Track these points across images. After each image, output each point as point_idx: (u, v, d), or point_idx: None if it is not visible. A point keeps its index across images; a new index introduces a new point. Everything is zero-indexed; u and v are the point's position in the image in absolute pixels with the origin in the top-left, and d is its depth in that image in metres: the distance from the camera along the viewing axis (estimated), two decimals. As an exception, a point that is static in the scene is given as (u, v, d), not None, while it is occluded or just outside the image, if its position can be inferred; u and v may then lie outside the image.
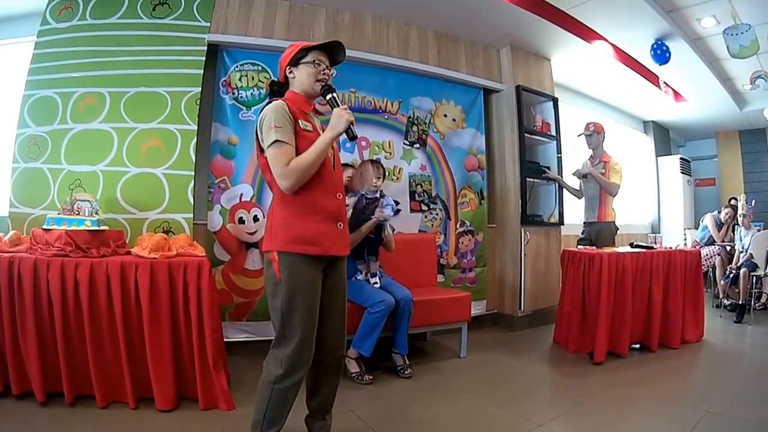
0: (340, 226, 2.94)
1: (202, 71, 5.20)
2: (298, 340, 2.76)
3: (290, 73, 2.99)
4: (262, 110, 2.85)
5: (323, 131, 2.87)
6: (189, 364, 3.86)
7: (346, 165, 5.29)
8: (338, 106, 2.87)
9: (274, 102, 2.84)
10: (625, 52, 7.87)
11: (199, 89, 5.16)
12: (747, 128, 12.31)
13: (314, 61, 2.94)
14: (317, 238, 2.82)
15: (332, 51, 3.03)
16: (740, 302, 7.53)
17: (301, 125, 2.81)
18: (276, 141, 2.70)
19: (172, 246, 4.10)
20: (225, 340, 4.48)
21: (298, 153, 2.76)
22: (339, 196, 2.96)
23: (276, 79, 3.14)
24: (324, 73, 2.96)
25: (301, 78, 2.96)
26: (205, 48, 5.25)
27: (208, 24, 5.31)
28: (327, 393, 3.15)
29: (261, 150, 2.83)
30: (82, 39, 5.03)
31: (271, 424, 2.87)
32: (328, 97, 2.92)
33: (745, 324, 7.34)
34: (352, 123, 2.82)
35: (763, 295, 8.36)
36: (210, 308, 3.84)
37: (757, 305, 8.06)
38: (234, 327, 5.28)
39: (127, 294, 3.71)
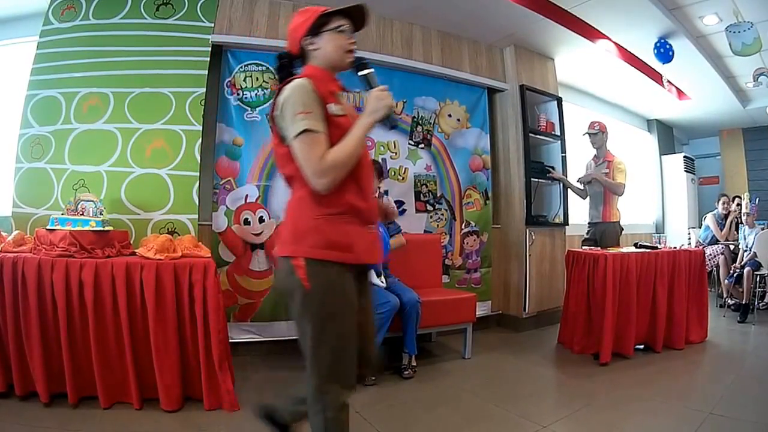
0: (373, 229, 2.49)
1: (206, 72, 5.22)
2: (340, 362, 2.38)
3: (310, 44, 2.45)
4: (279, 92, 2.33)
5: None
6: (194, 365, 3.87)
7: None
8: (375, 85, 2.38)
9: (296, 81, 2.32)
10: (628, 51, 7.86)
11: (204, 90, 5.18)
12: (750, 126, 12.31)
13: (340, 28, 2.43)
14: (352, 243, 2.35)
15: (355, 17, 2.52)
16: (744, 302, 7.53)
17: (333, 109, 2.31)
18: (306, 131, 2.21)
19: (177, 247, 4.10)
20: (230, 340, 4.40)
21: (330, 144, 2.27)
22: (374, 195, 2.56)
23: (286, 52, 2.56)
24: (353, 44, 2.47)
25: (327, 50, 2.45)
26: (209, 49, 5.27)
27: (212, 24, 5.33)
28: None
29: (281, 139, 2.34)
30: (85, 39, 5.05)
31: None
32: (363, 73, 2.43)
33: (748, 324, 7.36)
34: (393, 108, 2.36)
35: (767, 294, 8.36)
36: (215, 309, 3.84)
37: (760, 305, 8.06)
38: (238, 328, 5.28)
39: (132, 295, 3.72)
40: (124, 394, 3.77)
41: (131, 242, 4.43)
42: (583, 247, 6.38)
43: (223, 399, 3.83)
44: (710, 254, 8.85)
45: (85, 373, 3.70)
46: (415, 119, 6.40)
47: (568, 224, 7.56)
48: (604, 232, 6.58)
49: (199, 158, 5.08)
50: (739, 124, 12.31)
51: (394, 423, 3.84)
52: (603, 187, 6.53)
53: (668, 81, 8.81)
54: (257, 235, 5.40)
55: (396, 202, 5.33)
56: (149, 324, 3.71)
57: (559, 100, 7.65)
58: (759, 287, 7.99)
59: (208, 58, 5.25)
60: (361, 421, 3.80)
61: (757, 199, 8.87)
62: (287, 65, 2.52)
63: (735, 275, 8.07)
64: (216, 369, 3.83)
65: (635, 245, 6.31)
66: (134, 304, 3.74)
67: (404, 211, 6.02)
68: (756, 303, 7.73)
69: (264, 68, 5.51)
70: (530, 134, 7.14)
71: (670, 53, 7.30)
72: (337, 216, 2.32)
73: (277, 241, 2.46)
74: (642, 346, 5.87)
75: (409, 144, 6.33)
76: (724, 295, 8.51)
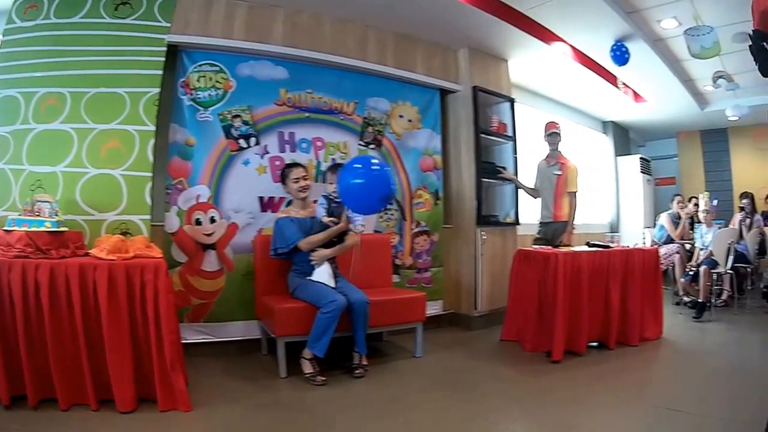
0: None
1: (161, 72, 5.35)
2: None
3: None
4: None
5: None
6: (148, 366, 3.94)
7: (298, 165, 5.52)
8: None
9: None
10: (584, 54, 8.18)
11: (158, 90, 5.30)
12: (708, 128, 12.82)
13: None
14: None
15: None
16: (700, 299, 7.83)
17: None
18: None
19: (130, 248, 4.19)
20: (183, 341, 4.55)
21: None
22: None
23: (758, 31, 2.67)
24: None
25: None
26: (165, 48, 5.40)
27: (169, 24, 5.45)
28: None
29: None
30: (46, 38, 5.17)
31: None
32: None
33: (705, 321, 7.64)
34: None
35: (724, 292, 8.68)
36: (167, 310, 3.93)
37: (717, 302, 8.43)
38: (191, 329, 5.41)
39: (86, 296, 3.79)
40: (82, 395, 3.80)
41: (86, 243, 4.52)
42: (535, 246, 6.66)
43: (177, 400, 3.90)
44: (665, 253, 9.22)
45: (44, 375, 3.73)
46: (366, 120, 6.63)
47: (519, 224, 7.84)
48: (556, 231, 6.87)
49: (152, 159, 5.19)
50: (697, 126, 12.84)
51: (345, 422, 3.93)
52: (555, 187, 6.84)
53: (623, 83, 9.15)
54: (208, 235, 5.54)
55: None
56: (102, 325, 3.77)
57: (512, 101, 7.94)
58: (716, 285, 8.38)
59: (164, 58, 5.38)
60: (312, 420, 3.95)
61: (716, 201, 9.31)
62: (763, 47, 2.64)
63: (691, 273, 8.41)
64: (169, 370, 3.90)
65: (587, 244, 6.55)
66: (88, 305, 3.79)
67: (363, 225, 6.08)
68: (713, 300, 8.10)
69: (218, 68, 5.69)
70: (482, 135, 7.44)
71: (626, 56, 7.63)
72: None
73: None
74: (596, 344, 6.08)
75: (359, 144, 6.55)
76: (680, 293, 8.87)
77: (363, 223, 5.46)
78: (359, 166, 4.89)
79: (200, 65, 5.65)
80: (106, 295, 3.79)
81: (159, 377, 3.90)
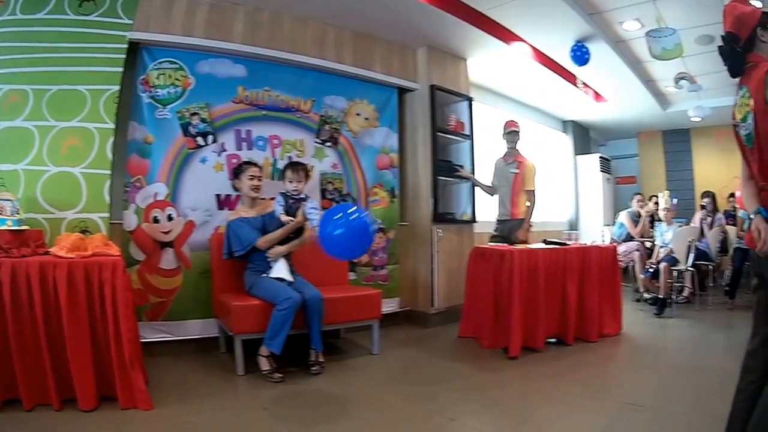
0: None
1: (122, 69, 5.44)
2: None
3: (761, 37, 2.81)
4: None
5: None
6: (108, 364, 4.00)
7: (252, 163, 5.70)
8: None
9: None
10: (544, 54, 8.47)
11: (118, 87, 5.39)
12: (670, 128, 13.29)
13: None
14: None
15: None
16: (661, 296, 8.16)
17: None
18: None
19: (89, 246, 4.26)
20: (143, 340, 4.64)
21: None
22: None
23: (731, 33, 2.89)
24: None
25: None
26: (126, 46, 5.48)
27: (131, 22, 5.52)
28: None
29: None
30: (11, 35, 5.18)
31: None
32: None
33: (666, 317, 7.98)
34: None
35: (685, 289, 9.05)
36: (125, 307, 4.01)
37: (679, 299, 8.79)
38: (151, 327, 5.52)
39: (47, 294, 3.85)
40: (45, 395, 3.86)
41: (46, 242, 4.57)
42: (491, 244, 6.94)
43: (136, 398, 3.98)
44: (625, 251, 9.55)
45: (8, 376, 3.78)
46: (324, 118, 6.83)
47: (476, 221, 8.24)
48: (513, 228, 7.12)
49: (111, 156, 5.30)
50: (659, 126, 13.33)
51: (302, 419, 4.05)
52: (512, 185, 7.13)
53: (583, 83, 9.48)
54: (166, 233, 5.66)
55: (302, 199, 5.59)
56: (63, 324, 3.83)
57: (470, 101, 8.34)
58: (677, 282, 8.74)
59: (125, 56, 5.46)
60: (269, 416, 4.08)
61: (676, 200, 9.70)
62: (735, 49, 2.87)
63: (651, 270, 8.76)
64: (128, 368, 3.99)
65: (544, 242, 6.83)
66: (49, 304, 3.85)
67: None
68: (674, 297, 8.45)
69: (177, 66, 5.81)
70: (439, 133, 7.73)
71: (587, 56, 7.93)
72: None
73: None
74: (555, 340, 6.31)
75: (315, 142, 6.76)
76: (641, 290, 9.21)
77: (318, 219, 5.48)
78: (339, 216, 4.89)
79: (160, 63, 5.75)
80: (66, 293, 3.87)
81: (119, 375, 3.99)
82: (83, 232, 4.99)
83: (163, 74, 5.76)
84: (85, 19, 5.40)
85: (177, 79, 5.83)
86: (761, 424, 2.62)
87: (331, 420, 4.04)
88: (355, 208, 5.00)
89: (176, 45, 5.83)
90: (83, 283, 3.95)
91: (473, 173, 8.09)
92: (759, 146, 2.71)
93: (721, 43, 2.94)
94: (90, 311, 3.97)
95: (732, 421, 2.93)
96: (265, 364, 4.93)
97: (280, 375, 4.88)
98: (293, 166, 5.66)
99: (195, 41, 5.89)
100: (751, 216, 2.79)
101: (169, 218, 5.72)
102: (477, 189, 8.09)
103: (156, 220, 5.65)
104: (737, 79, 2.92)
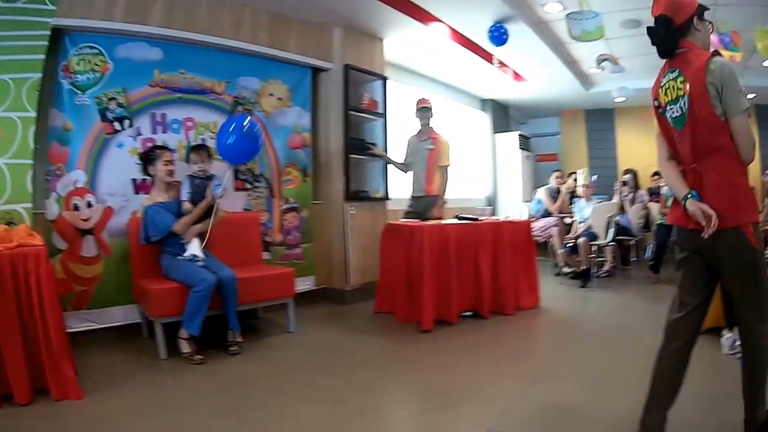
0: None
1: (44, 56, 5.46)
2: None
3: (696, 26, 3.10)
4: (710, 60, 2.91)
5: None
6: (38, 356, 4.12)
7: (163, 148, 6.02)
8: None
9: (728, 61, 2.97)
10: (462, 34, 9.04)
11: (40, 75, 5.44)
12: (593, 108, 14.16)
13: (708, 22, 3.16)
14: (756, 203, 3.03)
15: None
16: (583, 267, 8.96)
17: None
18: (747, 109, 2.87)
19: (14, 237, 4.37)
20: (69, 330, 4.91)
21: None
22: None
23: (664, 17, 3.12)
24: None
25: (705, 39, 3.15)
26: (49, 32, 5.50)
27: (55, 7, 5.51)
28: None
29: (712, 109, 2.88)
30: None
31: None
32: None
33: (588, 290, 8.77)
34: None
35: (606, 263, 9.87)
36: (50, 298, 4.16)
37: (600, 273, 9.64)
38: (76, 317, 5.70)
39: None
40: None
41: None
42: (403, 220, 7.46)
43: (67, 388, 4.16)
44: (543, 226, 10.35)
45: None
46: (237, 99, 7.22)
47: (389, 199, 8.97)
48: (427, 204, 7.86)
49: (32, 145, 5.36)
50: (582, 105, 14.19)
51: (224, 399, 4.24)
52: (426, 163, 7.79)
53: (500, 62, 10.07)
54: (85, 220, 5.84)
55: (209, 178, 6.04)
56: None
57: (385, 80, 9.00)
58: (599, 257, 9.59)
59: (47, 42, 5.49)
60: (190, 398, 4.31)
61: (596, 176, 10.55)
62: (669, 32, 3.13)
63: (570, 245, 9.53)
64: (57, 359, 4.15)
65: (457, 217, 7.35)
66: None
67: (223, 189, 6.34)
68: (595, 271, 9.23)
69: (97, 51, 5.97)
70: (352, 112, 8.30)
71: (505, 37, 8.51)
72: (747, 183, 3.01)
73: (723, 213, 2.89)
74: (471, 314, 6.85)
75: None
76: (560, 264, 10.06)
77: (223, 189, 6.07)
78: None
79: (81, 48, 5.88)
80: (-7, 287, 4.00)
81: (49, 367, 4.15)
82: (8, 224, 5.00)
83: (83, 60, 5.92)
84: (11, 6, 5.37)
85: (96, 65, 6.00)
86: (761, 366, 3.04)
87: (251, 398, 4.32)
88: (249, 119, 6.07)
89: (97, 30, 5.97)
90: (10, 275, 4.07)
91: (386, 151, 8.70)
92: (693, 129, 2.99)
93: (651, 25, 3.22)
94: (18, 304, 4.09)
95: (654, 385, 3.21)
96: (185, 347, 5.25)
97: (201, 357, 5.20)
98: (196, 148, 6.11)
99: (114, 25, 6.06)
100: (681, 200, 3.09)
101: (89, 205, 5.90)
102: (390, 167, 8.71)
103: (76, 208, 5.83)
104: (663, 61, 3.28)
